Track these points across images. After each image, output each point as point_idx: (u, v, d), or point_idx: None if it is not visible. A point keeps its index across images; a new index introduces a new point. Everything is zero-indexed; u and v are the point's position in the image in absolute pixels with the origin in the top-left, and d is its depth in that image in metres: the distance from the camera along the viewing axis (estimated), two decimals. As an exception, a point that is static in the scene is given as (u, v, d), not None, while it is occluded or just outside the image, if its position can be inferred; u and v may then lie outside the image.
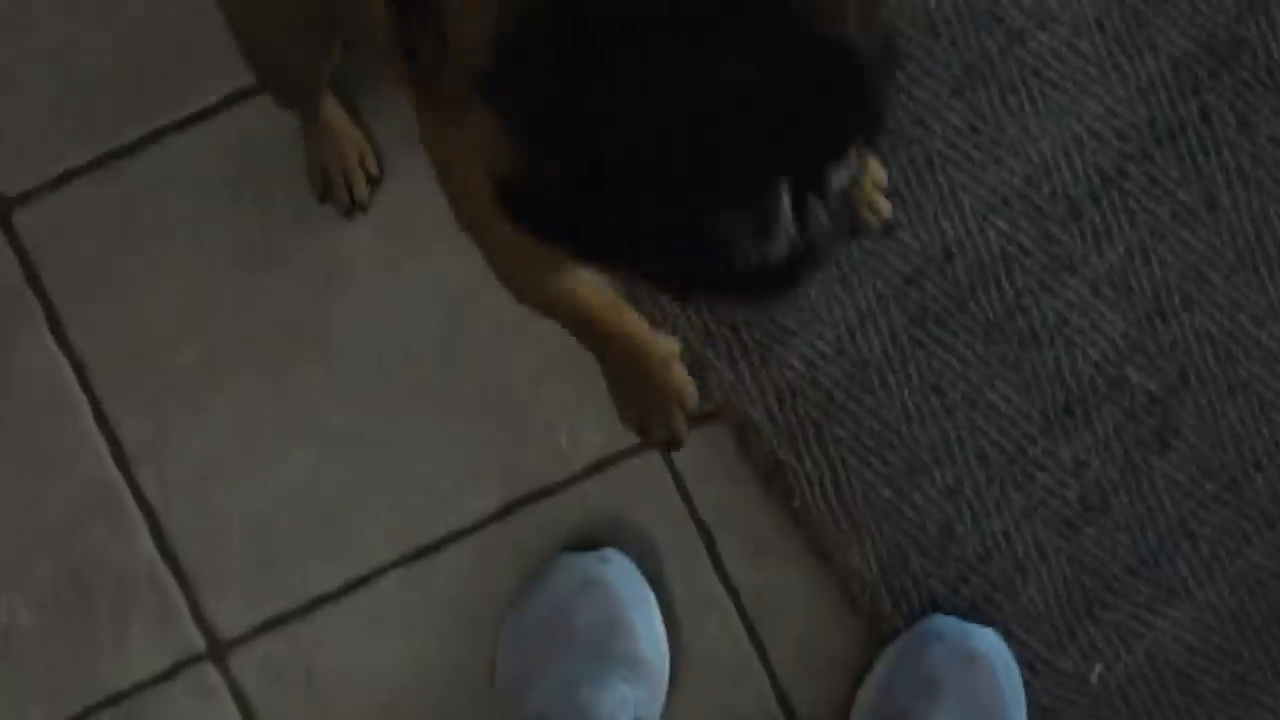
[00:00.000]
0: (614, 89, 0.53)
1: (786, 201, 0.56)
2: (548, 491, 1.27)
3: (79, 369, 1.26)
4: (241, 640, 1.27)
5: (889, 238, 1.26)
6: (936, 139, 1.30)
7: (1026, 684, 1.30)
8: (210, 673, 1.27)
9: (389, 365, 1.27)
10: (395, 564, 1.27)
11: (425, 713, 1.27)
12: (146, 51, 1.25)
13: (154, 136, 1.25)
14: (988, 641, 1.26)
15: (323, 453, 1.27)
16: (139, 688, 1.26)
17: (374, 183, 1.26)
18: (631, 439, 1.28)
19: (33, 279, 1.25)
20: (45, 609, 1.26)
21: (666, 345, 1.21)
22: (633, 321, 1.15)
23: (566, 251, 0.64)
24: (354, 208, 1.25)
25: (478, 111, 0.60)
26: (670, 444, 1.25)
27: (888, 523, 1.31)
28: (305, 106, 1.21)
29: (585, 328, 1.11)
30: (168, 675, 1.26)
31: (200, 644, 1.27)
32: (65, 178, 1.24)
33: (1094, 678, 1.31)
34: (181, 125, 1.25)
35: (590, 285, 1.07)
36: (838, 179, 0.57)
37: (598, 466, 1.27)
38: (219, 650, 1.27)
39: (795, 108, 0.55)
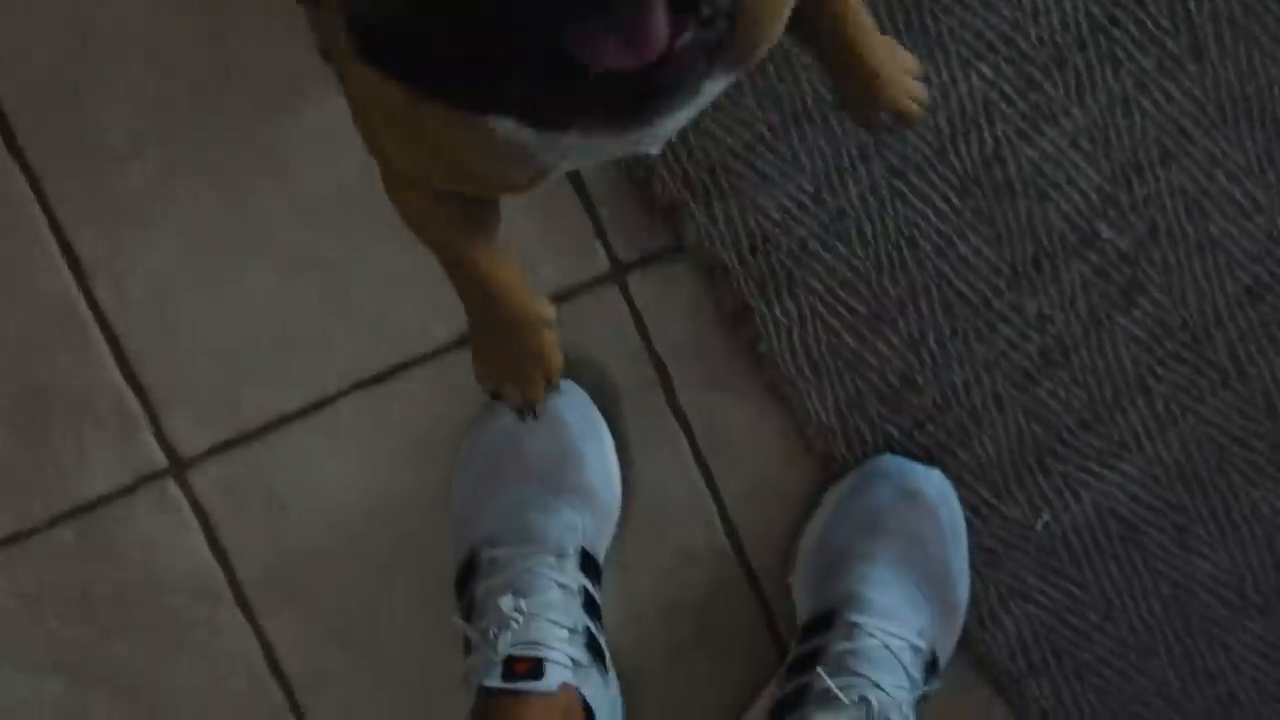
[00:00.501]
0: None
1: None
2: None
3: (35, 185, 1.19)
4: (202, 457, 1.23)
5: (924, 122, 1.21)
6: None
7: (972, 527, 1.29)
8: (171, 488, 1.24)
9: (351, 190, 1.20)
10: (352, 388, 1.22)
11: (380, 532, 1.25)
12: None
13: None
14: (931, 481, 1.24)
15: (280, 273, 1.21)
16: (103, 500, 1.24)
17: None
18: (593, 271, 1.25)
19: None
20: (6, 424, 1.23)
21: (543, 309, 1.13)
22: (516, 279, 1.08)
23: (421, 90, 0.57)
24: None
25: None
26: (526, 410, 1.19)
27: (849, 370, 1.26)
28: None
29: (468, 276, 1.05)
30: (129, 490, 1.24)
31: (161, 460, 1.24)
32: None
33: (1040, 525, 1.29)
34: None
35: (489, 241, 1.03)
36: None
37: (555, 298, 1.22)
38: (179, 467, 1.24)
39: None
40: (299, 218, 1.21)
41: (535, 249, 1.22)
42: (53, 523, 1.25)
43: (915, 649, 1.20)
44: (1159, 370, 1.27)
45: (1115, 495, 1.30)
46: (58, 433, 1.24)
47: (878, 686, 1.17)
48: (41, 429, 1.24)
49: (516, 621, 1.14)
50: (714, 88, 0.77)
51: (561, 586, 1.18)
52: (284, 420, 1.24)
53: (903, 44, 1.20)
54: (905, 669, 1.19)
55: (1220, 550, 1.31)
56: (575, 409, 1.22)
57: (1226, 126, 1.24)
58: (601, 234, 1.23)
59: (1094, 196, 1.25)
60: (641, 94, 0.54)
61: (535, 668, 1.13)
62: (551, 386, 1.19)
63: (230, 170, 1.20)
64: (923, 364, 1.26)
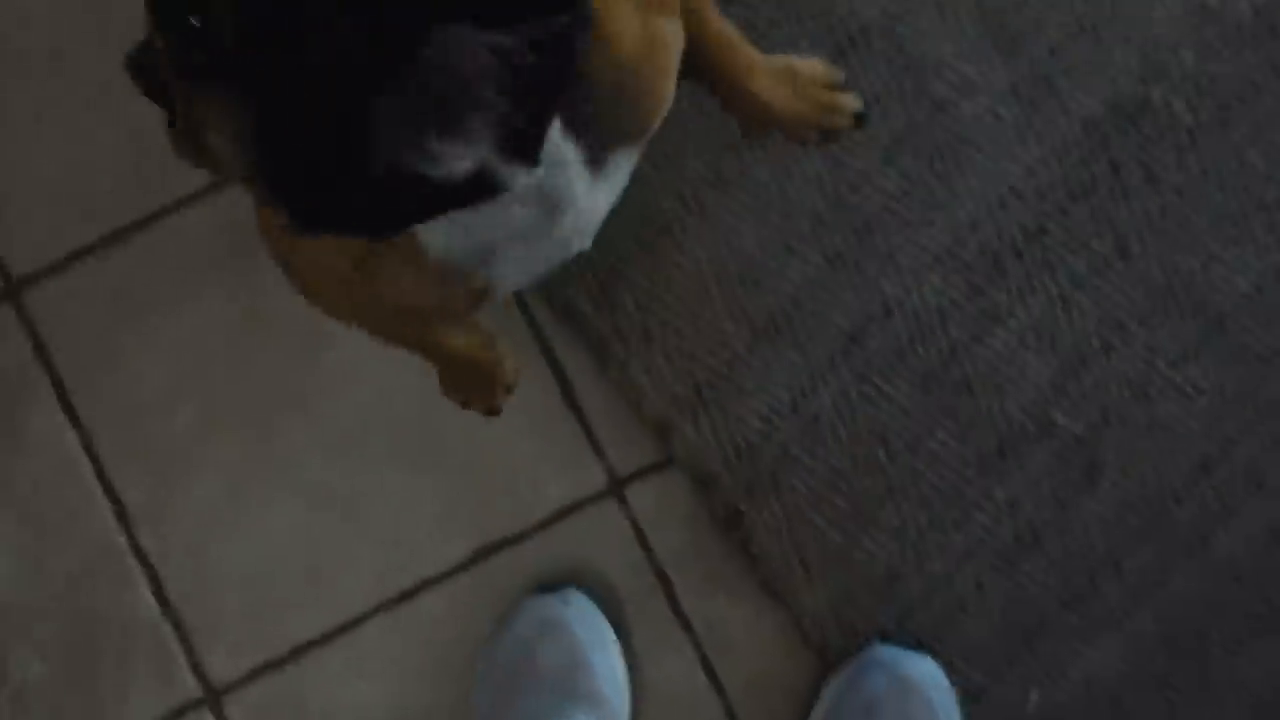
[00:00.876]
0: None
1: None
2: (514, 539, 1.29)
3: (84, 436, 1.28)
4: (235, 686, 1.29)
5: (864, 128, 1.28)
6: (872, 204, 1.32)
7: (966, 709, 1.35)
8: (207, 718, 1.29)
9: (368, 423, 1.28)
10: (376, 610, 1.28)
11: None
12: (143, 143, 1.34)
13: (151, 218, 1.30)
14: (923, 668, 1.26)
15: (307, 506, 1.28)
16: None
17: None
18: (592, 487, 1.33)
19: (40, 352, 1.28)
20: (55, 661, 1.28)
21: (492, 347, 1.21)
22: (465, 343, 1.15)
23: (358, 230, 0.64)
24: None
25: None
26: (490, 413, 1.27)
27: (838, 565, 1.31)
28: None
29: (430, 349, 1.13)
30: None
31: (197, 691, 1.29)
32: (71, 258, 1.28)
33: (1031, 704, 1.31)
34: (175, 208, 1.31)
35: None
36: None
37: (559, 514, 1.29)
38: (214, 697, 1.29)
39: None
40: (322, 451, 1.30)
41: (535, 467, 1.31)
42: None
43: None
44: (1127, 546, 1.33)
45: (1101, 670, 1.34)
46: (102, 666, 1.29)
47: None
48: (87, 663, 1.29)
49: None
50: (623, 165, 0.83)
51: None
52: (313, 644, 1.30)
53: (855, 260, 1.32)
54: None
55: (1209, 718, 1.35)
56: (583, 621, 1.29)
57: (1159, 316, 1.34)
58: (598, 450, 1.32)
59: (1046, 388, 1.34)
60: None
61: None
62: (510, 388, 1.25)
63: (260, 413, 1.30)
64: (905, 555, 1.33)
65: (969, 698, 1.32)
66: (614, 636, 1.29)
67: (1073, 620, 1.34)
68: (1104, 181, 1.34)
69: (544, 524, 1.30)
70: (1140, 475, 1.34)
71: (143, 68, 0.72)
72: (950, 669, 1.31)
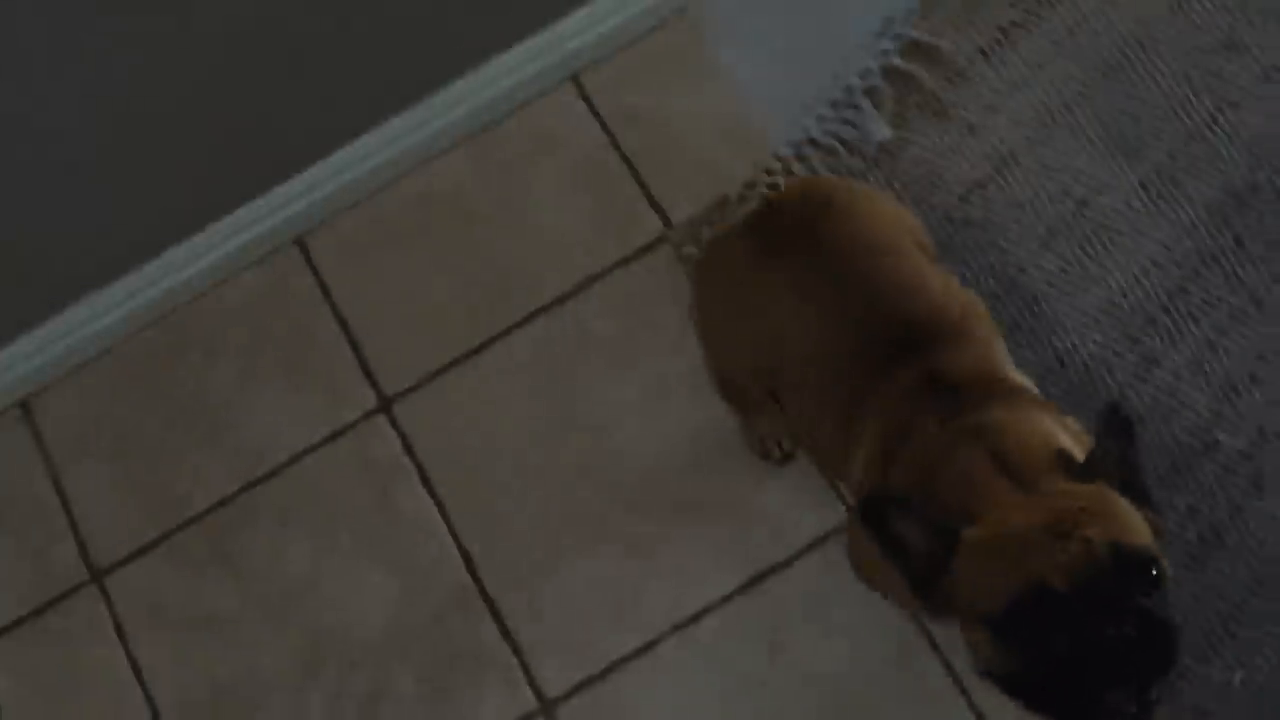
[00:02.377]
0: (1068, 643, 0.96)
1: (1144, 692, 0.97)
2: (777, 567, 1.44)
3: (440, 507, 1.50)
4: (564, 698, 1.43)
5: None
6: (1037, 281, 1.47)
7: (1178, 688, 1.42)
8: None
9: (660, 480, 1.49)
10: (671, 631, 1.44)
11: None
12: (495, 269, 1.58)
13: (495, 337, 1.55)
14: None
15: (624, 550, 1.48)
16: None
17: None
18: (833, 524, 1.49)
19: (408, 449, 1.51)
20: (423, 680, 1.45)
21: None
22: None
23: (1010, 697, 1.02)
24: (785, 459, 1.47)
25: (971, 625, 1.01)
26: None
27: None
28: (748, 413, 1.43)
29: None
30: None
31: (534, 703, 1.43)
32: (427, 379, 1.55)
33: (1236, 681, 1.35)
34: (521, 323, 1.57)
35: None
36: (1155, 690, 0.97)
37: (813, 544, 1.44)
38: (548, 707, 1.44)
39: (1155, 655, 0.96)
40: (625, 507, 1.57)
41: (795, 506, 1.55)
42: None
43: None
44: None
45: None
46: (459, 684, 1.45)
47: None
48: (447, 682, 1.45)
49: None
50: None
51: None
52: (625, 659, 1.44)
53: (1029, 326, 1.53)
54: None
55: None
56: None
57: None
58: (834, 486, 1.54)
59: (1205, 413, 1.50)
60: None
61: None
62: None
63: (571, 477, 1.58)
64: None
65: (1181, 680, 1.42)
66: None
67: (1262, 607, 1.46)
68: (1230, 250, 1.54)
69: (801, 552, 1.49)
70: (1301, 486, 1.46)
71: (875, 517, 1.00)
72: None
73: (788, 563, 1.42)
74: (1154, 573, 0.94)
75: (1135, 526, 0.97)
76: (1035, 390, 1.12)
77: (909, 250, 1.22)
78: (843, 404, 1.15)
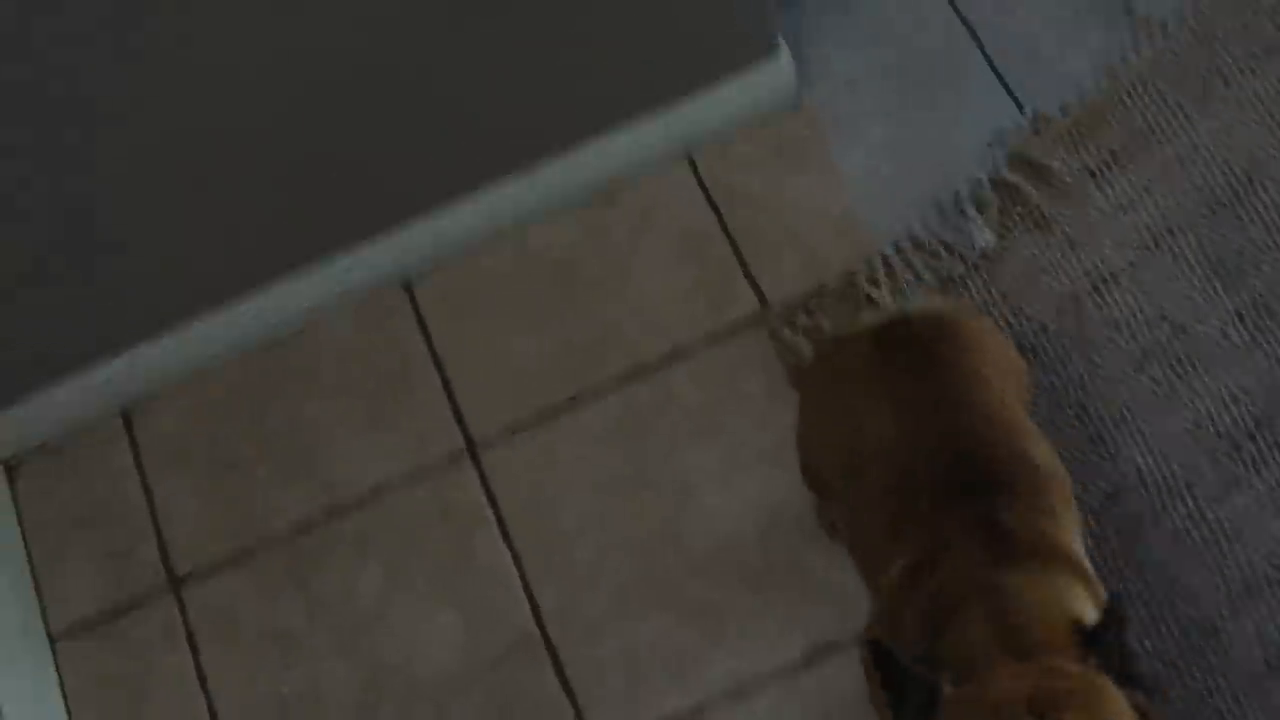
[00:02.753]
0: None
1: None
2: (838, 645, 1.46)
3: (515, 556, 1.53)
4: None
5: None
6: (1127, 396, 1.50)
7: None
8: None
9: (732, 550, 1.52)
10: (725, 696, 1.45)
11: None
12: (592, 331, 1.62)
13: (586, 396, 1.59)
14: None
15: (676, 618, 1.51)
16: None
17: None
18: None
19: (489, 495, 1.56)
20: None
21: None
22: None
23: None
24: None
25: None
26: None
27: None
28: (825, 497, 1.44)
29: None
30: None
31: None
32: (513, 430, 1.60)
33: None
34: (612, 385, 1.60)
35: None
36: None
37: None
38: None
39: None
40: (694, 573, 1.60)
41: (851, 578, 1.56)
42: None
43: None
44: None
45: None
46: None
47: None
48: None
49: None
50: None
51: None
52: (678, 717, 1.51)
53: (1114, 439, 1.55)
54: None
55: None
56: None
57: None
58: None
59: (1282, 542, 1.51)
60: None
61: None
62: None
63: (641, 539, 1.62)
64: (1168, 675, 1.48)
65: None
66: None
67: None
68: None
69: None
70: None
71: (882, 663, 1.03)
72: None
73: (851, 643, 1.40)
74: None
75: (1116, 712, 0.98)
76: (1088, 566, 1.14)
77: (1012, 397, 1.25)
78: (900, 514, 1.18)
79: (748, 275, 1.56)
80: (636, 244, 1.60)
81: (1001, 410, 1.20)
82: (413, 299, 1.62)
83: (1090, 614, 1.07)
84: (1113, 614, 1.02)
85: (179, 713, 1.49)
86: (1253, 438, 1.43)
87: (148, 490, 1.60)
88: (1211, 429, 1.44)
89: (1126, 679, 1.02)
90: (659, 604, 1.45)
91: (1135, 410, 1.46)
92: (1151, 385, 1.47)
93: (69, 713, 1.51)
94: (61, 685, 1.52)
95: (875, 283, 1.55)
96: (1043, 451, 1.19)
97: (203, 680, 1.50)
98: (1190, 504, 1.41)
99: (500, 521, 1.51)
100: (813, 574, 1.44)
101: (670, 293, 1.56)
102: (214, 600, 1.53)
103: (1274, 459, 1.42)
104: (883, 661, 1.00)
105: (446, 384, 1.57)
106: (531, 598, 1.48)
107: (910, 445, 1.19)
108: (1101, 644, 1.01)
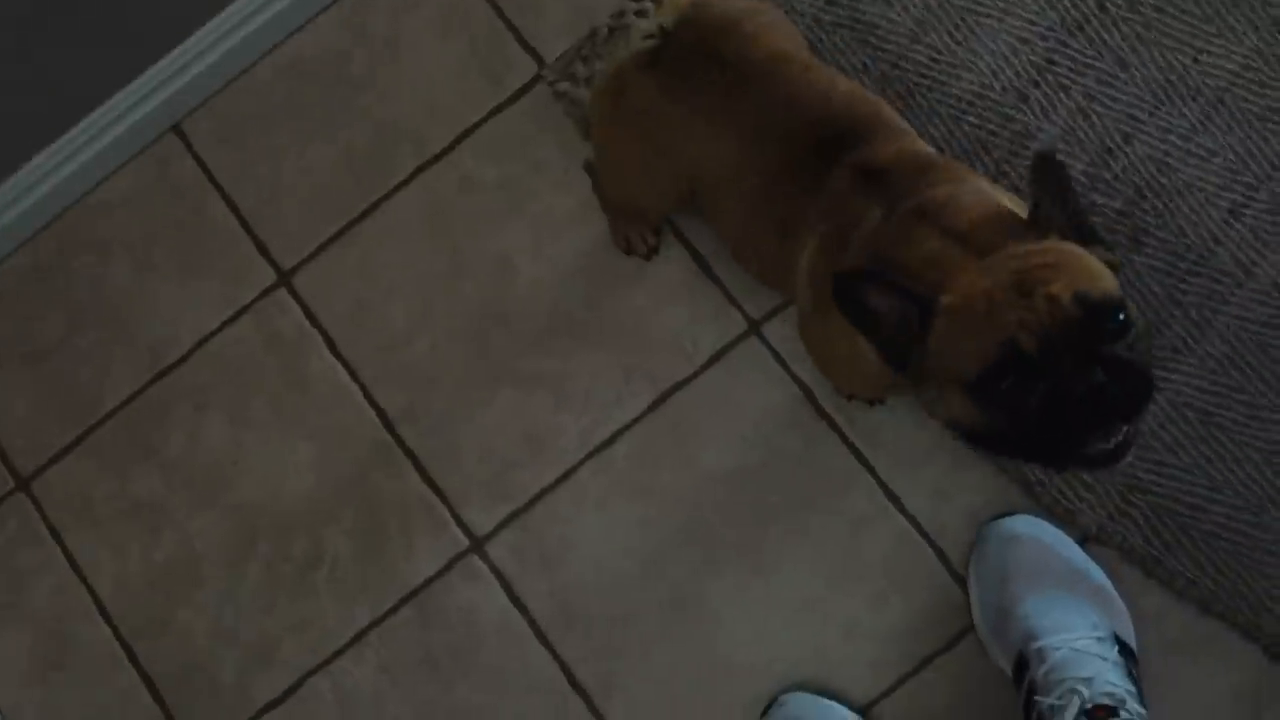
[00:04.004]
0: (1042, 398, 0.99)
1: (1120, 432, 1.01)
2: (681, 384, 1.48)
3: (350, 369, 1.53)
4: (493, 534, 1.48)
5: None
6: (910, 73, 1.48)
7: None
8: (475, 563, 1.48)
9: (560, 316, 1.52)
10: (588, 456, 1.48)
11: (631, 563, 1.46)
12: (375, 132, 1.59)
13: (384, 198, 1.58)
14: (1019, 522, 1.36)
15: (533, 388, 1.51)
16: (427, 583, 1.47)
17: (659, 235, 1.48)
18: (733, 335, 1.55)
19: (311, 318, 1.54)
20: (355, 537, 1.49)
21: None
22: None
23: (990, 452, 1.13)
24: (651, 253, 1.49)
25: (950, 390, 1.03)
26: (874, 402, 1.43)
27: None
28: (622, 219, 1.45)
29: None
30: (446, 569, 1.48)
31: (464, 542, 1.49)
32: (320, 249, 1.57)
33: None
34: (407, 180, 1.58)
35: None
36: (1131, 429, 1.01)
37: (714, 358, 1.48)
38: (478, 544, 1.49)
39: (1127, 397, 0.99)
40: (525, 348, 1.63)
41: (692, 327, 1.59)
42: (397, 607, 1.52)
43: (1098, 639, 1.27)
44: (1182, 286, 1.49)
45: (1184, 391, 1.44)
46: (390, 536, 1.48)
47: (1081, 679, 1.24)
48: (379, 535, 1.49)
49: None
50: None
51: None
52: (548, 490, 1.50)
53: (906, 116, 1.55)
54: (1099, 657, 1.26)
55: None
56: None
57: (1165, 105, 1.52)
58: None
59: (1083, 178, 1.55)
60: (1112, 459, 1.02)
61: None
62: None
63: (471, 324, 1.63)
64: None
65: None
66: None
67: (1151, 353, 1.51)
68: (1093, 16, 1.57)
69: (703, 368, 1.55)
70: (1179, 229, 1.51)
71: (849, 295, 1.02)
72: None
73: (692, 378, 1.44)
74: (1121, 316, 0.97)
75: (1095, 272, 0.99)
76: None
77: (810, 58, 1.24)
78: (780, 220, 1.18)
79: (519, 39, 1.53)
80: (397, 32, 1.55)
81: (810, 74, 1.21)
82: (186, 141, 1.57)
83: (1010, 202, 1.09)
84: (1045, 165, 1.03)
85: (60, 601, 1.49)
86: (1037, 84, 1.45)
87: (-32, 397, 1.56)
88: (997, 86, 1.46)
89: (1083, 237, 1.04)
90: (502, 383, 1.46)
91: (920, 87, 1.47)
92: (932, 54, 1.47)
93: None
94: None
95: (643, 13, 1.52)
96: (860, 91, 1.21)
97: (76, 569, 1.50)
98: (990, 163, 1.44)
99: (329, 341, 1.50)
100: (645, 317, 1.45)
101: (444, 74, 1.52)
102: (66, 489, 1.52)
103: (1059, 101, 1.45)
104: (852, 293, 1.01)
105: (242, 219, 1.54)
106: (376, 406, 1.48)
107: (748, 150, 1.19)
108: (1047, 218, 1.02)
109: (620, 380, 1.48)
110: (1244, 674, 1.32)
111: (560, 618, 1.42)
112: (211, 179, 1.55)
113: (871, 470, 1.41)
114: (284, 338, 1.51)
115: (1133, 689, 1.22)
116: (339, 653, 1.45)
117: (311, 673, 1.45)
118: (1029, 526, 1.34)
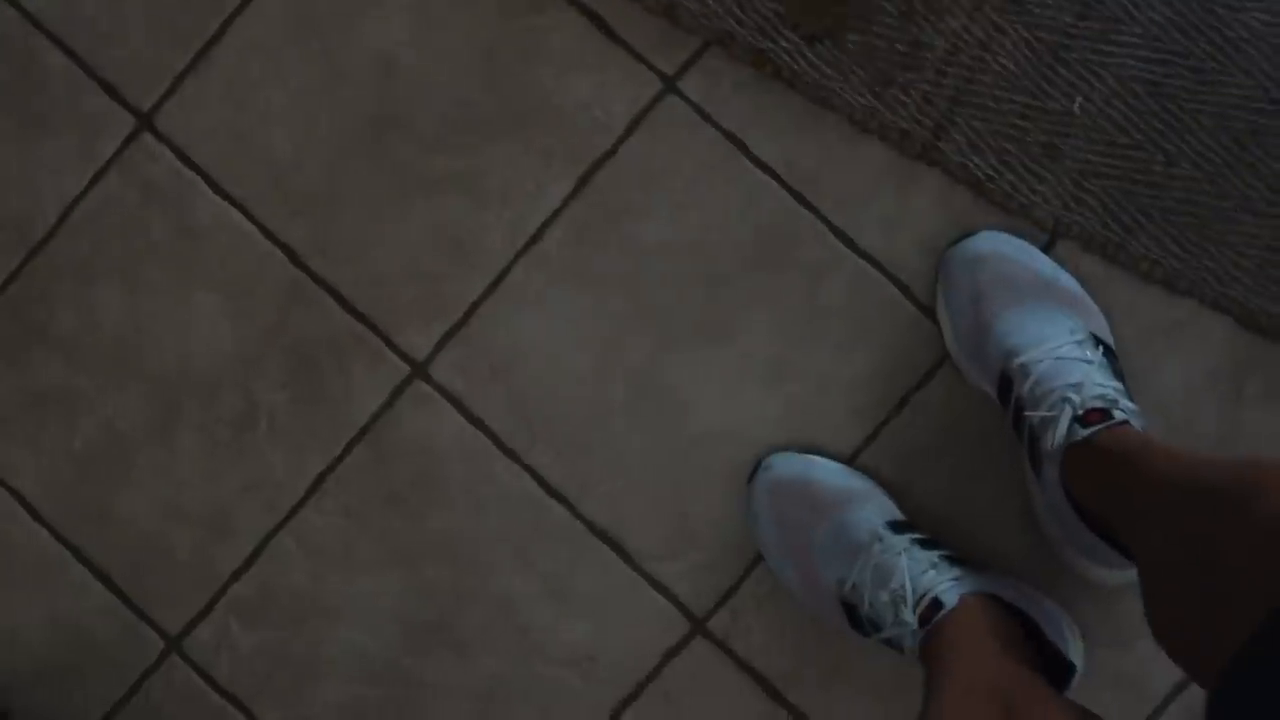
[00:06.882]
0: None
1: None
2: (603, 158, 1.40)
3: (241, 208, 1.42)
4: (433, 354, 1.41)
5: None
6: None
7: (1024, 130, 1.33)
8: (422, 387, 1.41)
9: (459, 109, 1.41)
10: (518, 255, 1.40)
11: (583, 356, 1.39)
12: None
13: (229, 20, 1.43)
14: (983, 239, 1.34)
15: (445, 190, 1.40)
16: (374, 418, 1.42)
17: None
18: (648, 97, 1.41)
19: (185, 160, 1.42)
20: (290, 385, 1.42)
21: None
22: None
23: None
24: None
25: None
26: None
27: (866, 60, 1.37)
28: None
29: None
30: (391, 401, 1.42)
31: (405, 369, 1.41)
32: (178, 81, 1.43)
33: (1076, 108, 1.35)
34: (243, 4, 1.43)
35: None
36: None
37: (632, 124, 1.39)
38: (419, 369, 1.41)
39: None
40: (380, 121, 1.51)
41: (602, 93, 1.49)
42: (349, 448, 1.45)
43: (1078, 343, 1.26)
44: None
45: (1129, 63, 1.35)
46: (327, 375, 1.41)
47: (1069, 386, 1.23)
48: (314, 378, 1.42)
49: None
50: None
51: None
52: (479, 303, 1.44)
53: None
54: (1082, 361, 1.25)
55: (1236, 73, 1.33)
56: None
57: None
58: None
59: None
60: None
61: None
62: None
63: (359, 131, 1.51)
64: (921, 26, 1.43)
65: (1023, 119, 1.34)
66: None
67: (1091, 26, 1.36)
68: None
69: (623, 136, 1.47)
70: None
71: None
72: (989, 107, 1.41)
73: (613, 151, 1.38)
74: None
75: None
76: None
77: None
78: None
79: None
80: None
81: None
82: (-4, -14, 1.41)
83: None
84: None
85: (-14, 515, 1.40)
86: None
87: None
88: None
89: None
90: (411, 193, 1.37)
91: None
92: None
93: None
94: None
95: None
96: None
97: (-7, 474, 1.40)
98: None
99: (210, 181, 1.39)
100: (550, 94, 1.37)
101: None
102: (-41, 393, 1.40)
103: None
104: None
105: (81, 62, 1.40)
106: (279, 243, 1.38)
107: None
108: None
109: (537, 166, 1.39)
110: (1221, 350, 1.30)
111: (521, 427, 1.36)
112: (35, 23, 1.40)
113: (816, 212, 1.34)
114: (159, 187, 1.39)
115: (1120, 385, 1.23)
116: (298, 507, 1.38)
117: (273, 533, 1.39)
118: (992, 243, 1.32)
